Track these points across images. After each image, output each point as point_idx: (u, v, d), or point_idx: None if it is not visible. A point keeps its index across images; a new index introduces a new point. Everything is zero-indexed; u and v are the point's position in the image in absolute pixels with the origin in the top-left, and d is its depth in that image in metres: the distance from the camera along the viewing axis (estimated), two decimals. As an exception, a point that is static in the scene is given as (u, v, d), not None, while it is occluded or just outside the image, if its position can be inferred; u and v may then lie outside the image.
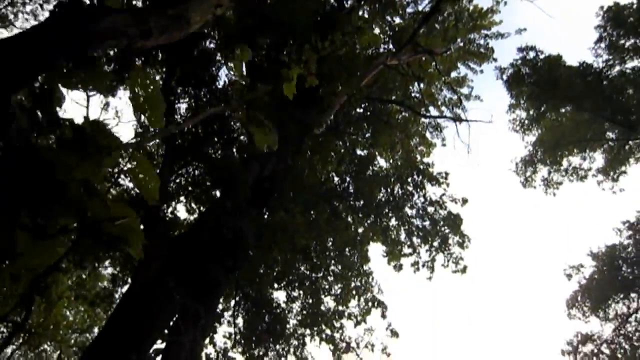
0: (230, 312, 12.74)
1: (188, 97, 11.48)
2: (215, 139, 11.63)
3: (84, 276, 14.39)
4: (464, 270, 15.67)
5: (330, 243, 14.79)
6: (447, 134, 18.02)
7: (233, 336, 13.23)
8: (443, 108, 19.29)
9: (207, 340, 9.53)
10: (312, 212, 13.56)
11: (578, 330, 22.24)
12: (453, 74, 19.22)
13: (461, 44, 18.67)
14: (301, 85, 12.27)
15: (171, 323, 7.13)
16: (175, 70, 9.76)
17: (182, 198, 12.00)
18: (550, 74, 18.71)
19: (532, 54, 18.26)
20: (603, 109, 18.68)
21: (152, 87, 2.01)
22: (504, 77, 18.66)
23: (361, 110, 16.55)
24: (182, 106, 11.56)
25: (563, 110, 19.03)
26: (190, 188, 11.09)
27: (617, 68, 19.64)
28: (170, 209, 11.88)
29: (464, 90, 19.46)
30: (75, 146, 2.00)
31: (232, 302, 12.77)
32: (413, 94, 18.33)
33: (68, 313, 16.92)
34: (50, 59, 2.73)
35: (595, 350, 22.94)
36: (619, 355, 22.44)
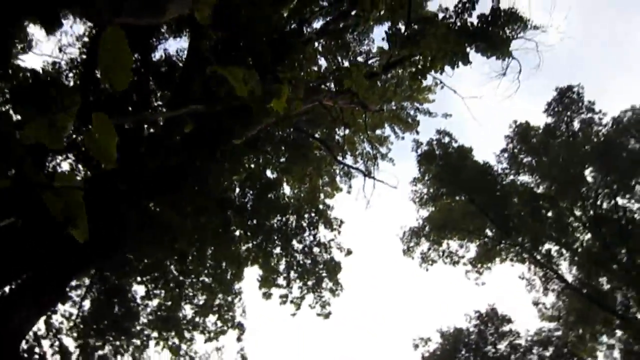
0: (79, 292, 11.60)
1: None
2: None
3: None
4: (327, 315, 15.93)
5: (210, 252, 14.28)
6: (355, 184, 18.34)
7: (74, 318, 12.06)
8: (359, 159, 19.88)
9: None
10: (202, 216, 13.03)
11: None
12: (378, 131, 19.97)
13: (394, 107, 19.52)
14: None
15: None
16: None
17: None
18: (457, 162, 20.22)
19: (447, 139, 19.69)
20: (489, 208, 20.50)
21: (123, 47, 1.77)
22: (419, 150, 19.84)
23: (284, 135, 16.51)
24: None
25: (458, 198, 20.58)
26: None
27: (511, 177, 21.79)
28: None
29: (383, 150, 20.26)
30: (31, 98, 1.68)
31: (86, 281, 11.67)
32: (336, 137, 18.68)
33: None
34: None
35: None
36: None
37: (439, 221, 20.47)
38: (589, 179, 20.84)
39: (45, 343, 11.00)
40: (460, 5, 14.77)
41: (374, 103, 17.34)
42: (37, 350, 9.00)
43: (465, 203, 20.38)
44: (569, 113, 19.74)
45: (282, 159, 16.76)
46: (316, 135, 17.62)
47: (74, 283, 11.36)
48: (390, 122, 19.88)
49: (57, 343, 11.40)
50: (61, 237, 8.00)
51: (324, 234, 15.32)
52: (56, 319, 10.94)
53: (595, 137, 19.61)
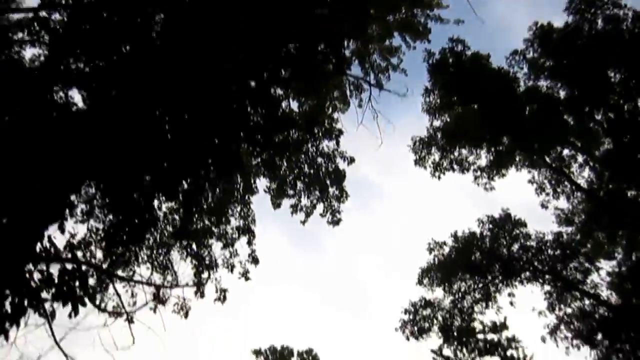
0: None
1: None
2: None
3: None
4: (337, 222, 16.71)
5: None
6: (366, 98, 18.22)
7: (97, 231, 13.18)
8: (369, 71, 19.47)
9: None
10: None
11: (423, 296, 24.84)
12: (387, 42, 19.29)
13: (403, 15, 18.62)
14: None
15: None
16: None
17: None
18: (471, 70, 19.47)
19: (460, 47, 18.83)
20: (505, 115, 19.95)
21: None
22: (430, 60, 19.16)
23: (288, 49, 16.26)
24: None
25: (471, 105, 20.09)
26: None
27: (530, 83, 20.85)
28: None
29: (394, 61, 19.69)
30: None
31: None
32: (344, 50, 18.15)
33: None
34: None
35: (432, 315, 25.83)
36: (449, 324, 25.51)
37: (451, 130, 20.25)
38: (613, 80, 19.65)
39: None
40: None
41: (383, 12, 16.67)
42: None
43: (478, 111, 19.90)
44: (592, 10, 18.20)
45: (286, 74, 16.68)
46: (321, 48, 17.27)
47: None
48: (400, 31, 19.07)
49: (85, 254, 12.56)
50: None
51: (327, 144, 15.69)
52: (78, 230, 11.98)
53: (620, 34, 18.15)
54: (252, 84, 15.22)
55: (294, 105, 17.26)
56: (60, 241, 10.52)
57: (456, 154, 21.25)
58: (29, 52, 12.12)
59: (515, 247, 23.42)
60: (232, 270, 15.85)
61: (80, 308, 9.03)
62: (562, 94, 20.31)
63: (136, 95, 11.14)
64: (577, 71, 19.50)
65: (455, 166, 21.24)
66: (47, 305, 8.22)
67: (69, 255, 10.70)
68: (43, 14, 10.05)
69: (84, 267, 11.22)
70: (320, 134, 16.61)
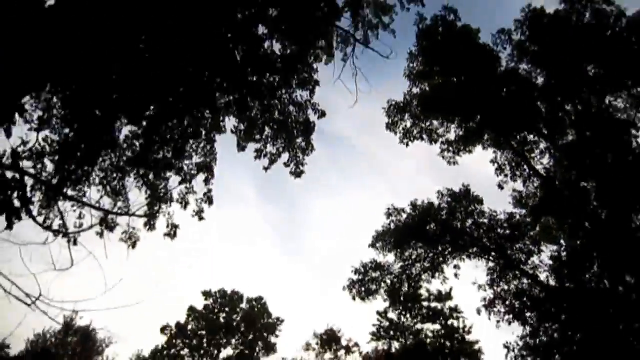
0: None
1: None
2: None
3: None
4: (299, 174, 16.62)
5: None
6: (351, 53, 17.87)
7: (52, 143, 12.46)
8: (360, 26, 18.98)
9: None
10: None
11: (375, 259, 25.55)
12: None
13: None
14: None
15: None
16: None
17: None
18: (459, 42, 19.42)
19: (452, 17, 18.67)
20: (482, 92, 20.17)
21: None
22: (421, 25, 18.92)
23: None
24: None
25: (452, 78, 20.17)
26: None
27: (512, 65, 21.06)
28: None
29: (386, 19, 19.25)
30: None
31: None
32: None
33: None
34: None
35: (380, 278, 26.68)
36: (397, 289, 26.45)
37: (427, 99, 20.33)
38: (589, 74, 20.16)
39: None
40: None
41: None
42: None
43: (457, 84, 20.01)
44: (583, 2, 18.37)
45: (275, 13, 16.03)
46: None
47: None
48: (394, -14, 18.55)
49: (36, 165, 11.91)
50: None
51: (301, 94, 15.37)
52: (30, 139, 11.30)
53: (603, 31, 18.50)
54: (238, 16, 14.59)
55: (277, 47, 16.71)
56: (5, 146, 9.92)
57: (428, 124, 21.46)
58: None
59: (469, 222, 24.27)
60: (185, 207, 15.60)
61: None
62: (539, 80, 20.70)
63: (115, 4, 10.44)
64: (558, 60, 19.84)
65: (424, 136, 21.51)
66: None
67: (11, 163, 10.09)
68: None
69: (28, 180, 10.69)
70: (296, 82, 16.25)
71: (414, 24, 19.08)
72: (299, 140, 16.43)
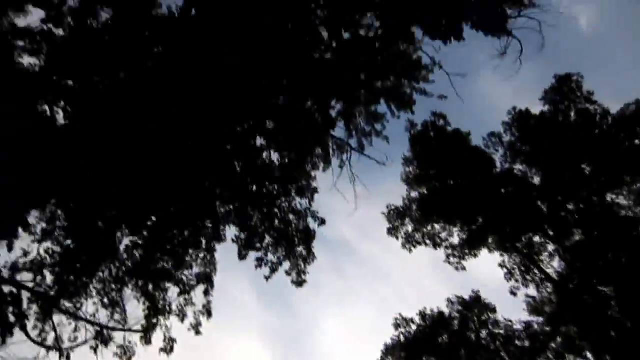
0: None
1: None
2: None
3: None
4: (301, 283, 16.46)
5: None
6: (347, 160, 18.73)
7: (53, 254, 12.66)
8: (353, 134, 20.11)
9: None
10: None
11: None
12: (372, 107, 20.16)
13: (390, 83, 19.63)
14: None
15: None
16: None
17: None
18: (451, 146, 20.37)
19: (441, 122, 19.84)
20: (481, 195, 20.64)
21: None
22: (412, 131, 20.04)
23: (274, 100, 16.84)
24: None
25: (448, 181, 20.79)
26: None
27: (507, 166, 21.80)
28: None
29: (378, 127, 20.44)
30: None
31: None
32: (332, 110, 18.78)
33: None
34: None
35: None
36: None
37: (426, 203, 20.74)
38: (585, 172, 20.76)
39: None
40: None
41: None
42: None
43: (454, 187, 20.57)
44: (565, 102, 19.65)
45: (272, 125, 17.14)
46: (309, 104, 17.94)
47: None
48: (387, 98, 20.01)
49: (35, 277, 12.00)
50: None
51: (300, 202, 15.85)
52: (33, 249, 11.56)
53: (592, 129, 19.50)
54: (237, 129, 15.63)
55: (275, 157, 17.59)
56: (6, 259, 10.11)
57: (429, 228, 21.60)
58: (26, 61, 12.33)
59: (484, 333, 23.15)
60: (183, 320, 15.27)
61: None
62: (536, 180, 21.24)
63: (120, 122, 11.30)
64: (552, 160, 20.59)
65: (427, 240, 21.52)
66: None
67: (9, 276, 10.23)
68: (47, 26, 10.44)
69: (24, 293, 10.69)
70: (295, 190, 16.83)
71: (405, 130, 20.24)
72: (300, 248, 16.54)
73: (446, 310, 23.64)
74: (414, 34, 17.29)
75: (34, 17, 11.70)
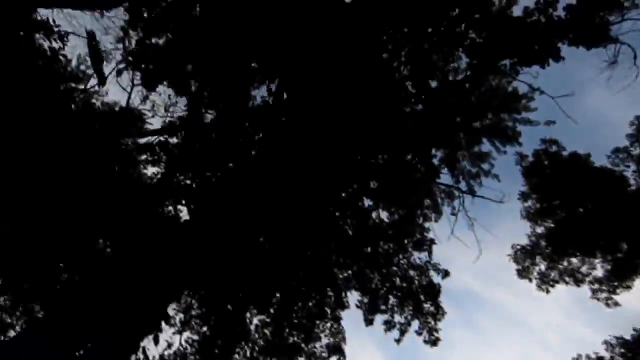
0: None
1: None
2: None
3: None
4: (434, 342, 15.74)
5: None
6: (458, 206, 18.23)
7: (192, 342, 13.52)
8: (460, 178, 19.57)
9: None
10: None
11: None
12: (476, 148, 19.56)
13: (490, 121, 19.04)
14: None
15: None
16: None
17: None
18: (571, 171, 18.82)
19: (554, 148, 18.52)
20: (619, 218, 18.56)
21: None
22: (523, 163, 18.92)
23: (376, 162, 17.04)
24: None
25: (576, 209, 19.01)
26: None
27: (641, 182, 19.51)
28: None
29: (484, 166, 19.75)
30: None
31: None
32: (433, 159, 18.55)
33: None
34: None
35: None
36: None
37: (556, 237, 19.02)
38: None
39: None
40: (542, 1, 14.39)
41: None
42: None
43: (585, 215, 18.72)
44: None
45: (375, 185, 17.25)
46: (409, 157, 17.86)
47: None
48: (488, 136, 19.36)
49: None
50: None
51: (419, 256, 15.45)
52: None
53: None
54: (342, 194, 15.96)
55: (384, 215, 17.54)
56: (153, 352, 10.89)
57: (565, 264, 19.65)
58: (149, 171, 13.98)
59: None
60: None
61: None
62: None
63: (235, 209, 12.12)
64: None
65: (566, 278, 19.52)
66: None
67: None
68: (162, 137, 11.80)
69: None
70: (411, 245, 16.51)
71: (515, 164, 19.15)
72: (427, 305, 15.96)
73: (606, 355, 20.89)
74: (504, 67, 16.81)
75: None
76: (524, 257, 19.81)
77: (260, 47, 12.01)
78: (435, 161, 18.43)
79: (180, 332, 12.54)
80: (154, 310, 10.73)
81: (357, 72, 12.66)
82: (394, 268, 16.23)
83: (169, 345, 11.78)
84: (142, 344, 10.49)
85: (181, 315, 12.72)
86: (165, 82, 12.35)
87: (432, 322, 15.82)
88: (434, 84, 17.20)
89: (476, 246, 17.47)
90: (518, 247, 20.13)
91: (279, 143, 12.76)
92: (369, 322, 15.88)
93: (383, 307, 16.00)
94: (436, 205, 18.57)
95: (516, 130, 18.81)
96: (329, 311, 15.93)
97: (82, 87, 13.19)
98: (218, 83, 12.00)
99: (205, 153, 12.17)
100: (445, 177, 19.05)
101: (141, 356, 10.57)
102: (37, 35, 10.14)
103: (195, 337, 12.90)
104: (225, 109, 11.81)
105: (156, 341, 11.01)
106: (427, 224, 17.68)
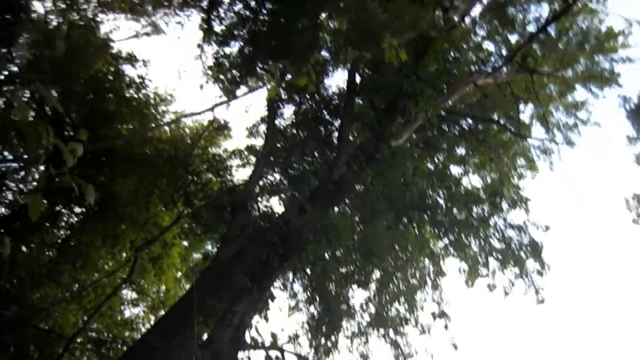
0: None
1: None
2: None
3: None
4: (542, 301, 15.64)
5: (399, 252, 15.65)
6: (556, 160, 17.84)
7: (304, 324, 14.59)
8: (556, 131, 18.99)
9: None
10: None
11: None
12: (569, 98, 18.81)
13: (581, 67, 18.17)
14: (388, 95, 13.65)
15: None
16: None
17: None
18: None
19: (661, 85, 17.18)
20: None
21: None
22: (627, 107, 17.86)
23: (456, 126, 17.15)
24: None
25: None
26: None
27: None
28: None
29: (582, 115, 18.96)
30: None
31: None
32: (522, 115, 18.19)
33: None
34: None
35: None
36: None
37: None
38: None
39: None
40: None
41: (548, 66, 16.72)
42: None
43: None
44: None
45: (461, 151, 17.33)
46: (494, 118, 17.59)
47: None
48: (582, 82, 18.50)
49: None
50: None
51: (514, 215, 15.39)
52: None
53: None
54: (429, 165, 16.34)
55: (475, 179, 17.59)
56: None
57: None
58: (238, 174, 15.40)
59: None
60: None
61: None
62: None
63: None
64: None
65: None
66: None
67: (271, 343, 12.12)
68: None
69: (286, 355, 12.67)
70: (506, 206, 16.42)
71: (619, 107, 18.07)
72: (530, 263, 15.82)
73: None
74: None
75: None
76: (638, 204, 18.73)
77: None
78: (526, 117, 18.02)
79: (289, 315, 13.81)
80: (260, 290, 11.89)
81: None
82: (490, 230, 16.23)
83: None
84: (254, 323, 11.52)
85: (291, 302, 14.00)
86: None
87: (538, 281, 15.64)
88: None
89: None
90: (631, 195, 19.02)
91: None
92: (470, 285, 16.11)
93: (484, 272, 16.11)
94: (531, 163, 18.17)
95: (614, 72, 17.77)
96: (429, 281, 16.38)
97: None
98: None
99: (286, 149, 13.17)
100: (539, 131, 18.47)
101: (255, 333, 11.71)
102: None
103: (304, 318, 14.12)
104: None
105: (266, 319, 12.08)
106: (521, 182, 17.53)
